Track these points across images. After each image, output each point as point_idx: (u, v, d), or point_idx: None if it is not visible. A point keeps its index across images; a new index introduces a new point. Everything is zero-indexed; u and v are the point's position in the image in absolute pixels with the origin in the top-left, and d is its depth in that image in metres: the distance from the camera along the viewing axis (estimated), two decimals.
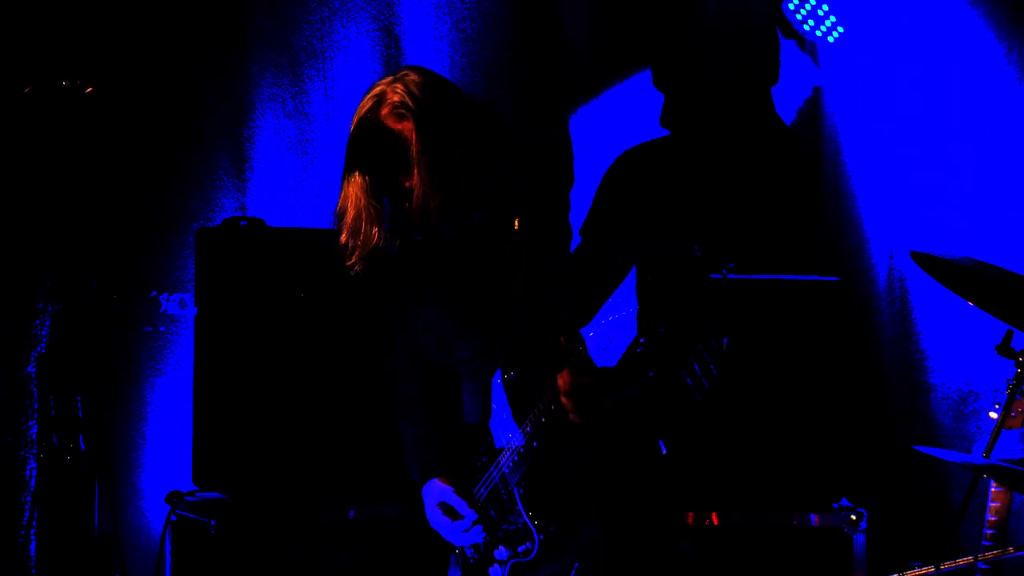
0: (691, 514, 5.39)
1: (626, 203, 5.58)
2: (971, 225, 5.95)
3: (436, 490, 3.83)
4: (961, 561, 4.52)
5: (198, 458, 5.40)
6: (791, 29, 6.09)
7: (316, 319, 5.21)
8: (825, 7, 6.00)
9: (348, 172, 3.53)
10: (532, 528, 3.65)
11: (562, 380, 3.43)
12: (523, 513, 3.66)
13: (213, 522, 5.04)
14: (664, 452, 3.74)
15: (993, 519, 4.63)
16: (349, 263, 3.62)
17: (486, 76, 6.31)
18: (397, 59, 6.30)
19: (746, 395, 5.45)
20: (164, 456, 5.86)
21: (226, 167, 6.03)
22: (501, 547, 3.76)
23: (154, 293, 5.90)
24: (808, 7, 6.02)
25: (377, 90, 3.51)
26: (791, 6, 6.05)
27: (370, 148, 3.49)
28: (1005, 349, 4.87)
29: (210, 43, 5.97)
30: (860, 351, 6.13)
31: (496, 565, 3.78)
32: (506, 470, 3.67)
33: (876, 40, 6.17)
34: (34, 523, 5.21)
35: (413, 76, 3.52)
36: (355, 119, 3.53)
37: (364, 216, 3.55)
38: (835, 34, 6.04)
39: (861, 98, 6.25)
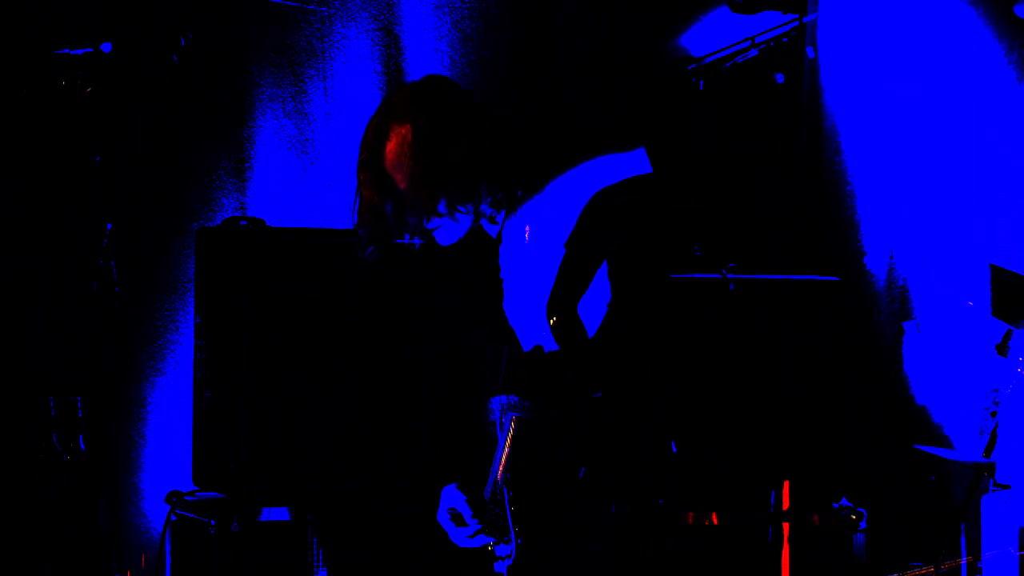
0: (691, 514, 5.39)
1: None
2: (971, 225, 5.95)
3: (452, 496, 3.87)
4: (961, 561, 4.52)
5: (198, 458, 5.40)
6: None
7: (317, 319, 5.21)
8: None
9: (359, 168, 3.69)
10: (511, 530, 3.68)
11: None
12: (508, 515, 3.69)
13: (213, 522, 5.04)
14: (675, 451, 3.75)
15: None
16: (361, 254, 3.74)
17: (485, 76, 6.31)
18: (397, 59, 6.30)
19: (746, 393, 5.46)
20: (164, 456, 5.86)
21: (226, 167, 6.02)
22: (502, 545, 3.79)
23: (156, 293, 5.90)
24: None
25: (390, 94, 3.75)
26: None
27: (372, 147, 3.64)
28: (1004, 348, 4.87)
29: (210, 43, 5.97)
30: (860, 350, 6.13)
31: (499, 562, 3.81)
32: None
33: (875, 38, 6.18)
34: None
35: (427, 82, 3.68)
36: (369, 120, 3.69)
37: (369, 213, 3.68)
38: None
39: (861, 97, 6.25)
